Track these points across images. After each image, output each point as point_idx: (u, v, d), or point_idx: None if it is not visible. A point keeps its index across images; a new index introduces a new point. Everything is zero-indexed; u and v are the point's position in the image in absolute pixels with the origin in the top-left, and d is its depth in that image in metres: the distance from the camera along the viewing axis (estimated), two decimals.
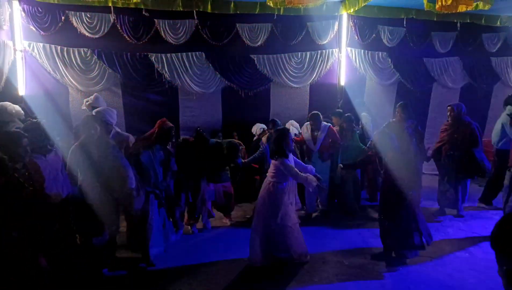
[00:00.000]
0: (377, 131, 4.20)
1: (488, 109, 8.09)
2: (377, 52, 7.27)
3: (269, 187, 3.93)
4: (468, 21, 7.34)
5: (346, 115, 5.78)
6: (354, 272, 3.85)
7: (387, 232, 4.00)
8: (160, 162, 4.18)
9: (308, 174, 3.97)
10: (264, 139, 5.52)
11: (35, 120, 3.66)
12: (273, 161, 3.99)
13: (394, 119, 5.58)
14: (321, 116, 5.50)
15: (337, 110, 6.25)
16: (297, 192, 4.54)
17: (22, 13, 5.73)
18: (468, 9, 5.84)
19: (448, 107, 5.49)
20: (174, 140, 4.87)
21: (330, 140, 5.39)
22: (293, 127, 6.10)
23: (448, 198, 5.44)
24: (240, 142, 5.63)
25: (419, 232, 3.94)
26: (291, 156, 4.01)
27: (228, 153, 4.76)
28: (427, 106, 7.86)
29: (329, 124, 5.53)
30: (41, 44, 5.88)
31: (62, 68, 5.99)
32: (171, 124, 4.32)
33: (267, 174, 4.07)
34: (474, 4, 5.64)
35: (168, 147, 4.41)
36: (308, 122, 5.48)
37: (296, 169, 3.89)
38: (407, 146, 4.06)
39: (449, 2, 5.51)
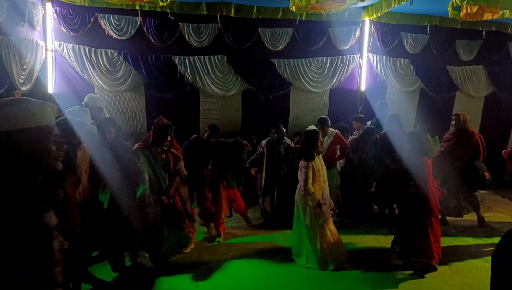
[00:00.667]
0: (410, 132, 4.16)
1: None
2: (399, 58, 7.23)
3: (300, 191, 3.96)
4: (494, 29, 7.22)
5: (368, 127, 5.68)
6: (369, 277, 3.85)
7: (407, 241, 3.93)
8: (163, 166, 3.97)
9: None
10: (263, 142, 5.44)
11: (62, 117, 3.66)
12: (300, 163, 4.03)
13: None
14: (329, 121, 5.42)
15: (358, 115, 6.24)
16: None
17: (54, 14, 5.98)
18: (494, 17, 5.77)
19: (453, 116, 5.43)
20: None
21: (337, 147, 5.35)
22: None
23: (448, 207, 5.36)
24: (246, 143, 5.55)
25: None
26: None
27: (233, 151, 4.73)
28: (450, 114, 7.71)
29: (337, 130, 5.43)
30: (71, 45, 6.11)
31: (89, 68, 6.20)
32: (167, 122, 4.07)
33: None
34: (500, 12, 5.57)
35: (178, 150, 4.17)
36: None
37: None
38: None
39: (474, 10, 5.46)
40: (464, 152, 5.14)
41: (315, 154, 4.03)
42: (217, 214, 4.86)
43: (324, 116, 5.53)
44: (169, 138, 4.02)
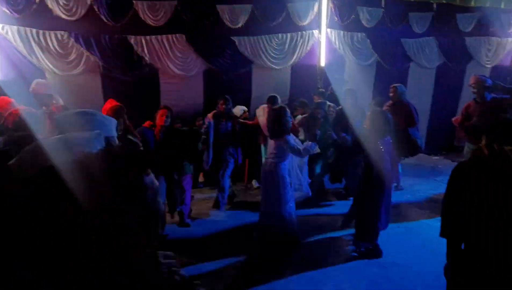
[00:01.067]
0: (372, 111, 4.12)
1: (462, 88, 8.39)
2: (356, 33, 7.37)
3: (272, 169, 4.03)
4: (444, 1, 7.50)
5: (317, 102, 5.75)
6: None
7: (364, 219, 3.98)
8: None
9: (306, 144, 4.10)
10: (210, 115, 5.44)
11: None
12: (272, 141, 4.07)
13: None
14: (278, 99, 5.46)
15: (320, 89, 6.36)
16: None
17: None
18: None
19: (391, 88, 5.69)
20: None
21: None
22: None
23: None
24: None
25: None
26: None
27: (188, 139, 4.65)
28: (404, 86, 8.05)
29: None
30: (16, 27, 5.68)
31: (38, 51, 5.82)
32: (118, 104, 3.90)
33: (266, 157, 4.11)
34: None
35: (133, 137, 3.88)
36: (266, 105, 5.42)
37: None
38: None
39: None
40: (399, 121, 5.37)
41: (288, 130, 4.09)
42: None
43: (274, 94, 5.52)
44: (126, 123, 3.82)
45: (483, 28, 8.21)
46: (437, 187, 6.09)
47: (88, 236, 1.76)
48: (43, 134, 3.20)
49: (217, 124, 5.40)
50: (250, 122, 5.79)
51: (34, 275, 1.70)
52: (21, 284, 1.69)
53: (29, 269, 1.69)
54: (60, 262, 1.71)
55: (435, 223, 4.62)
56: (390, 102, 5.72)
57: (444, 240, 2.01)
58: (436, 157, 8.31)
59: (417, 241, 4.23)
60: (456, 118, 6.74)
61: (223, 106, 5.39)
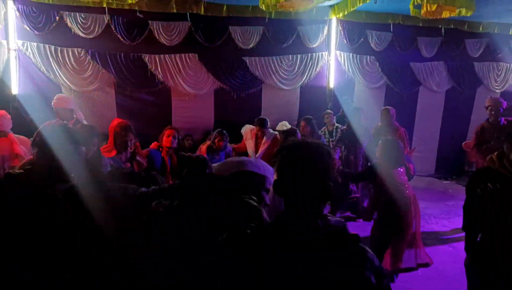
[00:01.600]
0: (384, 140, 3.88)
1: (471, 112, 8.38)
2: (365, 56, 7.49)
3: None
4: (452, 26, 7.62)
5: (305, 117, 5.60)
6: None
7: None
8: None
9: None
10: (203, 147, 5.05)
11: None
12: None
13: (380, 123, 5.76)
14: (268, 123, 5.23)
15: (328, 110, 6.43)
16: None
17: (17, 12, 5.76)
18: (452, 15, 6.10)
19: (383, 111, 5.66)
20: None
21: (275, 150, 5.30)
22: (286, 128, 6.21)
23: None
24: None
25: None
26: None
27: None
28: (414, 109, 8.11)
29: (276, 132, 5.28)
30: (35, 44, 5.92)
31: (55, 67, 6.02)
32: (125, 122, 3.64)
33: None
34: (457, 10, 5.89)
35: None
36: (253, 127, 5.29)
37: None
38: None
39: (433, 8, 5.76)
40: None
41: None
42: None
43: (263, 117, 5.41)
44: (133, 142, 3.60)
45: (491, 53, 8.28)
46: (449, 212, 5.99)
47: (88, 236, 1.79)
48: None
49: (211, 159, 5.26)
50: (236, 145, 5.57)
51: (34, 275, 1.70)
52: (21, 284, 1.69)
53: (29, 269, 1.69)
54: (60, 262, 1.71)
55: (447, 248, 4.53)
56: (379, 124, 5.68)
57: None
58: (446, 182, 8.21)
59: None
60: (467, 143, 6.74)
61: (221, 142, 5.02)
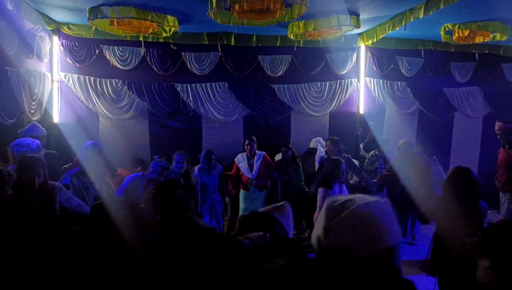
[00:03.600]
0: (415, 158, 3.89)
1: None
2: (396, 82, 7.40)
3: None
4: (487, 51, 7.41)
5: (330, 137, 5.75)
6: None
7: None
8: None
9: None
10: (196, 169, 5.23)
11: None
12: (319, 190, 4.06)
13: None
14: (255, 141, 5.62)
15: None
16: None
17: (61, 47, 6.20)
18: (486, 40, 5.97)
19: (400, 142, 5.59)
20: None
21: (265, 169, 5.56)
22: (320, 144, 6.23)
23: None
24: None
25: None
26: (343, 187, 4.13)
27: None
28: (450, 135, 7.85)
29: (264, 152, 5.68)
30: (76, 75, 6.31)
31: (94, 97, 6.37)
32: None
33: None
34: (491, 35, 5.77)
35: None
36: (244, 152, 5.68)
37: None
38: None
39: (466, 34, 5.67)
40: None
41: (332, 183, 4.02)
42: None
43: (252, 137, 5.76)
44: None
45: None
46: None
47: (89, 236, 1.81)
48: None
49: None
50: (229, 173, 5.81)
51: (34, 275, 1.72)
52: (21, 284, 1.71)
53: (29, 269, 1.72)
54: (60, 262, 1.72)
55: None
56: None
57: None
58: (489, 211, 7.77)
59: None
60: None
61: (247, 147, 5.63)
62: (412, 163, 5.27)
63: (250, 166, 5.56)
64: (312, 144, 6.53)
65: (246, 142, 5.73)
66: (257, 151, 5.60)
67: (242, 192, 5.69)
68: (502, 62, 7.73)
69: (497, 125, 4.94)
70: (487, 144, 7.93)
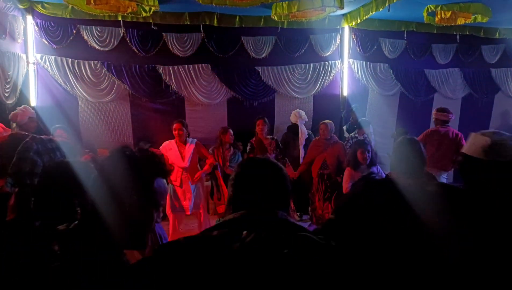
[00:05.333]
0: None
1: (490, 119, 8.21)
2: (378, 63, 7.43)
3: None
4: (467, 33, 7.50)
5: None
6: None
7: None
8: None
9: None
10: None
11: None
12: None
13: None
14: (184, 124, 4.92)
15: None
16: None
17: (35, 27, 5.94)
18: (467, 22, 6.03)
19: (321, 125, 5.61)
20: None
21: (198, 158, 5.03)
22: (300, 118, 6.20)
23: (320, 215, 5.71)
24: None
25: None
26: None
27: None
28: (429, 116, 7.97)
29: (195, 139, 5.06)
30: (53, 57, 6.08)
31: (72, 80, 6.17)
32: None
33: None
34: (473, 17, 5.83)
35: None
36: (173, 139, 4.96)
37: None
38: None
39: (448, 15, 5.70)
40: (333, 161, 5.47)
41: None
42: None
43: (180, 120, 5.11)
44: None
45: (509, 59, 8.12)
46: None
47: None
48: None
49: None
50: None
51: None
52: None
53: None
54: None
55: None
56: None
57: None
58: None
59: None
60: None
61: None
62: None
63: (181, 152, 4.87)
64: (292, 118, 6.40)
65: (177, 126, 4.86)
66: (188, 138, 4.95)
67: (171, 187, 4.88)
68: (482, 44, 7.85)
69: (433, 112, 5.46)
70: (466, 125, 8.13)
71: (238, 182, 1.35)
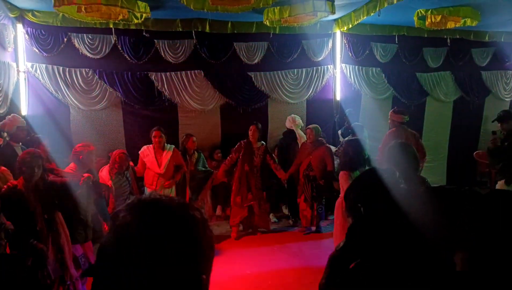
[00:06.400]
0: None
1: (481, 120, 8.28)
2: (371, 68, 7.47)
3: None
4: (458, 36, 7.58)
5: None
6: None
7: None
8: None
9: None
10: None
11: None
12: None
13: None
14: (163, 131, 5.09)
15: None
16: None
17: (26, 35, 5.89)
18: (457, 26, 6.10)
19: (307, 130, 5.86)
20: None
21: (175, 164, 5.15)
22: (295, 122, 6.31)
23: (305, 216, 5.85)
24: None
25: None
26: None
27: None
28: (421, 120, 8.04)
29: (173, 145, 5.24)
30: (44, 65, 6.02)
31: (64, 88, 6.11)
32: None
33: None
34: (462, 20, 5.90)
35: None
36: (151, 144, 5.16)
37: None
38: None
39: (438, 19, 5.76)
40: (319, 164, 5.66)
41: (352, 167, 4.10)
42: None
43: (158, 127, 5.23)
44: None
45: (499, 62, 8.22)
46: None
47: None
48: None
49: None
50: (136, 168, 5.29)
51: None
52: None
53: None
54: None
55: None
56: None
57: None
58: None
59: None
60: (477, 152, 6.64)
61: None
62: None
63: (158, 159, 5.05)
64: (287, 124, 6.54)
65: (157, 133, 5.12)
66: (166, 144, 5.14)
67: (146, 190, 5.15)
68: (472, 47, 7.93)
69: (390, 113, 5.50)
70: (458, 128, 8.20)
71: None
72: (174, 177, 5.16)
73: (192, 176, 5.80)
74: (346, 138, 6.31)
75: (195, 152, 6.02)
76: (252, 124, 5.82)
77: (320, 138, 5.86)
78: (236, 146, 5.82)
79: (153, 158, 5.04)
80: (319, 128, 5.95)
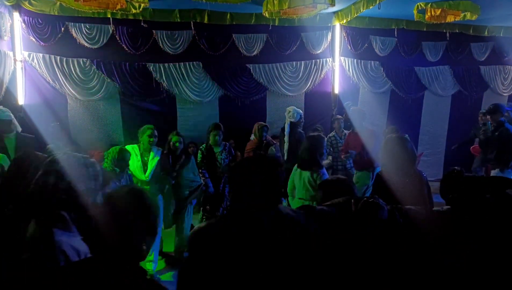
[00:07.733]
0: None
1: (479, 116, 8.29)
2: (369, 61, 7.45)
3: None
4: (457, 31, 7.56)
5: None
6: None
7: None
8: None
9: None
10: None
11: None
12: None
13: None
14: (154, 131, 4.40)
15: (337, 116, 6.37)
16: None
17: (23, 24, 5.83)
18: (456, 19, 6.07)
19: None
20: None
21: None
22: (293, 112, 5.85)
23: None
24: None
25: None
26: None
27: None
28: (419, 114, 8.05)
29: (161, 148, 4.52)
30: (41, 55, 5.98)
31: (61, 78, 6.07)
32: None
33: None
34: (462, 14, 5.87)
35: None
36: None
37: None
38: None
39: (438, 13, 5.73)
40: None
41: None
42: None
43: (148, 125, 4.50)
44: None
45: (497, 56, 8.22)
46: None
47: None
48: None
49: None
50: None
51: None
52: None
53: None
54: None
55: None
56: None
57: None
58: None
59: None
60: (475, 147, 6.67)
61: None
62: None
63: (144, 164, 4.35)
64: (287, 114, 6.23)
65: (151, 133, 4.38)
66: (154, 146, 4.43)
67: None
68: (471, 41, 7.92)
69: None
70: (455, 122, 8.22)
71: (236, 180, 1.70)
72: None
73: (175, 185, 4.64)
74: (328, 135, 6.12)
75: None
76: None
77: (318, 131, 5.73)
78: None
79: (140, 162, 4.34)
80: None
